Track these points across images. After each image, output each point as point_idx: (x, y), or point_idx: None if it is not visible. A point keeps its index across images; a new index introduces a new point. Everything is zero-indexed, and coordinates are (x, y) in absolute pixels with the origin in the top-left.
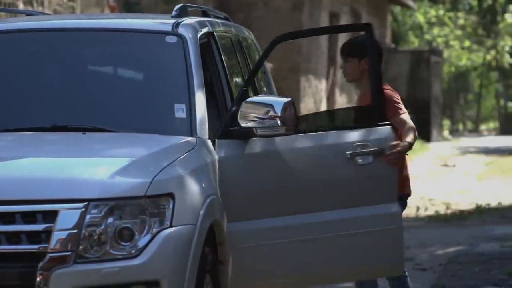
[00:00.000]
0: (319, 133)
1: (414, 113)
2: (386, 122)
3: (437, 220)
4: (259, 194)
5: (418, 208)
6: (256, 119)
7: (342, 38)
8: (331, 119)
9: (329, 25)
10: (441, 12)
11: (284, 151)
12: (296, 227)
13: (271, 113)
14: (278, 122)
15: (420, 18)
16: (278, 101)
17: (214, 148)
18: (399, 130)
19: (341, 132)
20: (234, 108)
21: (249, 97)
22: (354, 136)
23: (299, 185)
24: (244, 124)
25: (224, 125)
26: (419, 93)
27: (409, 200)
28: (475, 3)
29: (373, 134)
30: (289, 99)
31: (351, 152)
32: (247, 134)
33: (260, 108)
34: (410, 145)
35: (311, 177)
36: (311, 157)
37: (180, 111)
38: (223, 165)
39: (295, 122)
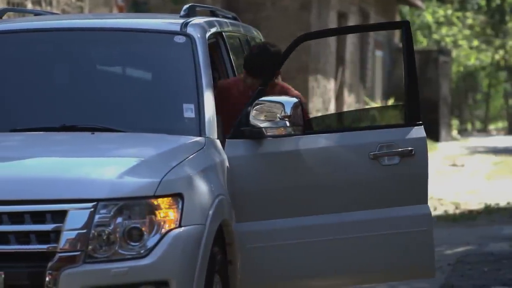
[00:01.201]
0: (339, 133)
1: (422, 113)
2: (418, 122)
3: (446, 220)
4: (270, 194)
5: None
6: (269, 119)
7: (351, 38)
8: (357, 119)
9: (338, 25)
10: (450, 11)
11: (300, 151)
12: (307, 228)
13: (282, 113)
14: (287, 122)
15: (429, 18)
16: (288, 100)
17: (223, 148)
18: None
19: (364, 132)
20: (248, 108)
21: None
22: (378, 136)
23: (313, 186)
24: (256, 124)
25: (237, 124)
26: (427, 93)
27: None
28: (483, 2)
29: (402, 134)
30: (298, 99)
31: (373, 153)
32: (258, 134)
33: (271, 108)
34: None
35: (327, 177)
36: (328, 157)
37: (188, 111)
38: (233, 165)
39: (303, 122)
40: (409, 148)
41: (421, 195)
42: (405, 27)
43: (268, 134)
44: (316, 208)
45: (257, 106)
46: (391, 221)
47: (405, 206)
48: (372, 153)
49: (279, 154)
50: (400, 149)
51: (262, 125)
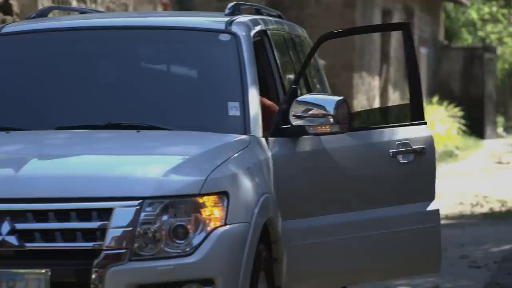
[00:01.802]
0: (363, 131)
1: (467, 110)
2: (423, 121)
3: (492, 217)
4: (310, 192)
5: (472, 205)
6: (308, 117)
7: (396, 34)
8: (380, 116)
9: (382, 22)
10: (495, 8)
11: (331, 149)
12: (344, 225)
13: (324, 111)
14: (331, 120)
15: (474, 15)
16: (330, 100)
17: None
18: None
19: (385, 131)
20: (284, 107)
21: (298, 95)
22: (397, 134)
23: (347, 183)
24: (295, 122)
25: (275, 123)
26: (472, 90)
27: (464, 197)
28: None
29: (415, 132)
30: (341, 97)
31: (393, 150)
32: (299, 132)
33: (312, 106)
34: None
35: (357, 175)
36: (356, 155)
37: (233, 109)
38: (277, 163)
39: (349, 120)
40: (422, 146)
41: (431, 192)
42: (405, 29)
43: (310, 132)
44: (355, 205)
45: (297, 104)
46: (404, 218)
47: (417, 203)
48: (392, 151)
49: (319, 152)
50: (414, 147)
51: (303, 123)
